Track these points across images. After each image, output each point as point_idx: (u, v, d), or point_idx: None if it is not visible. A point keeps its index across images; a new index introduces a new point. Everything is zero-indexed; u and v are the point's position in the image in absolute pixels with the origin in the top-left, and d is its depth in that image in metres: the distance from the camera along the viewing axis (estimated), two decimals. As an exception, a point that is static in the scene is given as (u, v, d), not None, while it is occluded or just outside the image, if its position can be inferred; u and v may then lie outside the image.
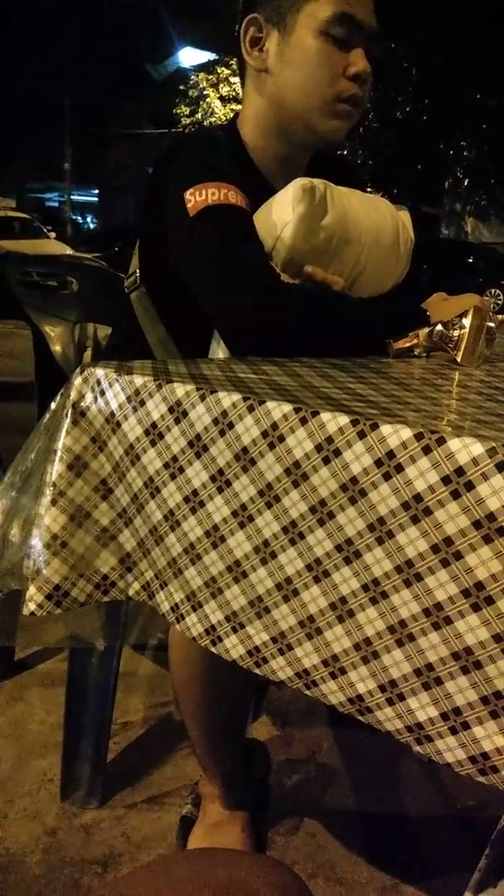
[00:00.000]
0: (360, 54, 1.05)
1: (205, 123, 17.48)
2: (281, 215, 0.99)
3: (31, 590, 0.79)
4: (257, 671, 0.70)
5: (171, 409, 0.71)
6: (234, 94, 16.79)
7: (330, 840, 1.27)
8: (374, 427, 0.59)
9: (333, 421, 0.61)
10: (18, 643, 1.71)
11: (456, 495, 0.55)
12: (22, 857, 1.20)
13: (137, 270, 1.13)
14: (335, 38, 1.04)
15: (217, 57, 17.82)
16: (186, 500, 0.72)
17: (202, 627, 0.73)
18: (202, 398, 0.69)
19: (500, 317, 1.10)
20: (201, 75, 18.22)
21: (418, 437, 0.57)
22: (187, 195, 0.98)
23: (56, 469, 0.78)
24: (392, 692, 0.62)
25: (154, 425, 0.73)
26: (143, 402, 0.73)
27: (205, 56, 18.86)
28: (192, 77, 18.60)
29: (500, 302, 12.37)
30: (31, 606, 0.79)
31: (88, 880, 1.16)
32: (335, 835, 1.28)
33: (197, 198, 0.98)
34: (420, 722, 0.61)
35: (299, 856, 1.23)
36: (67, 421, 0.78)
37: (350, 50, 1.05)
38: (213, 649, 0.73)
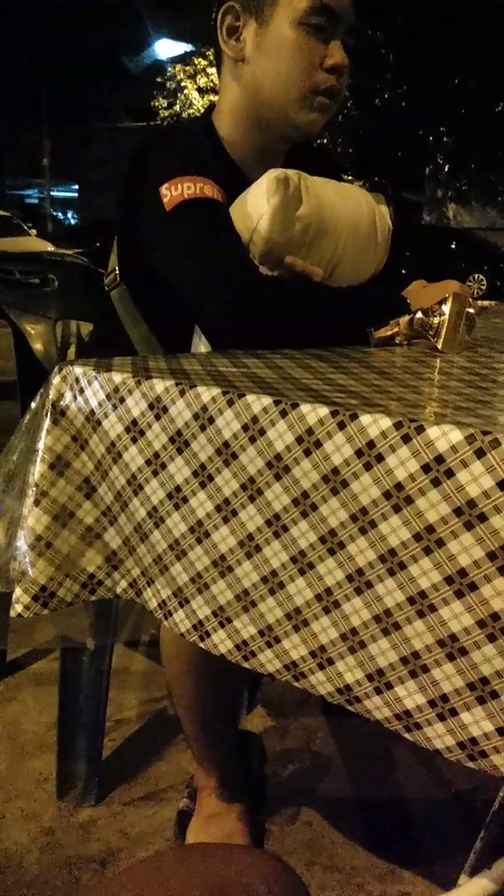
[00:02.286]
0: (337, 46, 1.05)
1: (183, 115, 17.39)
2: (256, 207, 0.99)
3: (18, 591, 0.79)
4: (246, 665, 0.70)
5: (150, 406, 0.71)
6: (211, 84, 16.70)
7: (327, 828, 1.28)
8: (354, 417, 0.59)
9: (313, 412, 0.61)
10: (10, 645, 1.71)
11: (436, 483, 0.56)
12: (20, 857, 1.20)
13: (117, 268, 1.12)
14: (313, 28, 1.03)
15: (193, 48, 17.70)
16: (170, 496, 0.71)
17: (190, 623, 0.73)
18: (182, 393, 0.69)
19: (479, 303, 1.11)
20: (178, 67, 18.09)
21: (397, 425, 0.57)
22: (163, 190, 0.98)
23: (38, 469, 0.77)
24: (380, 681, 0.62)
25: (134, 422, 0.73)
26: (122, 400, 0.73)
27: (181, 47, 18.72)
28: (169, 69, 18.47)
29: (483, 287, 12.39)
30: (18, 608, 0.78)
31: (87, 878, 1.16)
32: (332, 823, 1.29)
33: (173, 192, 0.97)
34: (408, 709, 0.61)
35: (297, 844, 1.24)
36: (47, 420, 0.78)
37: (328, 41, 1.04)
38: (201, 645, 0.73)
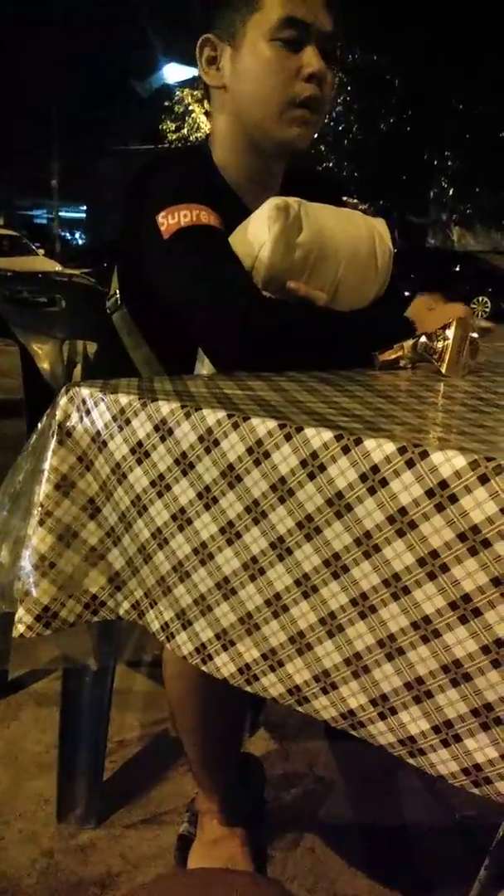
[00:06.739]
0: (312, 53, 1.04)
1: (191, 138, 17.61)
2: (257, 235, 1.00)
3: (21, 611, 0.79)
4: (248, 689, 0.70)
5: (156, 428, 0.72)
6: (219, 108, 16.88)
7: (329, 854, 1.26)
8: (358, 442, 0.60)
9: (318, 436, 0.62)
10: (11, 665, 1.70)
11: (440, 508, 0.56)
12: (19, 879, 1.18)
13: (118, 291, 1.13)
14: (284, 43, 1.03)
15: (202, 72, 17.93)
16: (174, 518, 0.72)
17: (192, 646, 0.73)
18: (187, 416, 0.69)
19: (484, 324, 1.11)
20: (186, 91, 18.34)
21: (401, 451, 0.57)
22: (160, 219, 0.99)
23: (43, 489, 0.78)
24: (383, 706, 0.62)
25: (140, 444, 0.73)
26: (128, 421, 0.74)
27: (189, 72, 18.99)
28: (177, 93, 18.73)
29: (487, 310, 12.45)
30: (21, 628, 0.78)
31: (86, 902, 1.15)
32: (334, 849, 1.27)
33: (169, 220, 0.98)
34: (412, 735, 0.61)
35: (298, 870, 1.22)
36: (53, 441, 0.78)
37: (300, 52, 1.04)
38: (203, 668, 0.72)
